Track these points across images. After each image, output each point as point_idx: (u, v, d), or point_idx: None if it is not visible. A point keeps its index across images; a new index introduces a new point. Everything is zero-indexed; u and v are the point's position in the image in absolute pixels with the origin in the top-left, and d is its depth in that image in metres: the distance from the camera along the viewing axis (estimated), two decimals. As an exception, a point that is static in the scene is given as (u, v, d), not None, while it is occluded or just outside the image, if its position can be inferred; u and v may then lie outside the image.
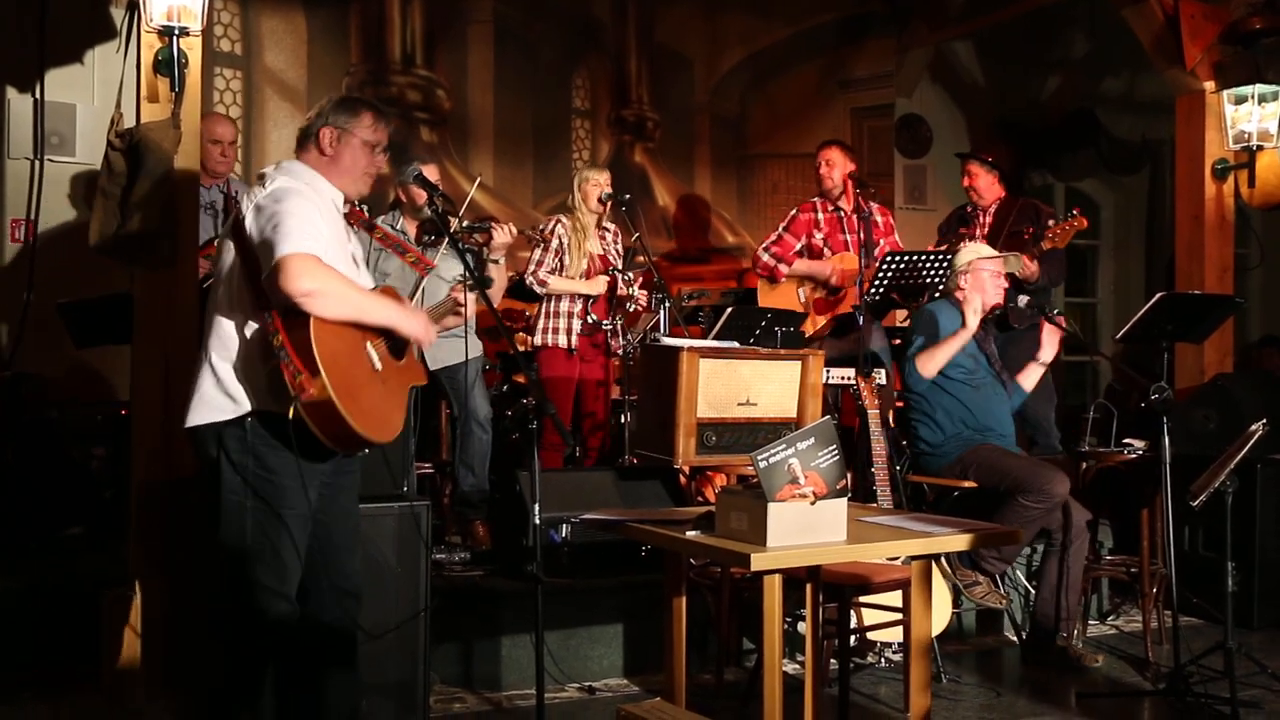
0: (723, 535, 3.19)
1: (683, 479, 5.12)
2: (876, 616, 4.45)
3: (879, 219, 6.30)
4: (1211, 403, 5.95)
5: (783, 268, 6.24)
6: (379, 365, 3.14)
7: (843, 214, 6.25)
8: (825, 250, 6.23)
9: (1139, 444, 5.23)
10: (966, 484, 4.97)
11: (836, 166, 6.20)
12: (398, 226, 5.25)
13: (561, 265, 5.73)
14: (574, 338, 5.73)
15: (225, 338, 3.12)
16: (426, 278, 4.83)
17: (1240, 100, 6.46)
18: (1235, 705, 4.20)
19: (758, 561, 2.98)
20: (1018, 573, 5.50)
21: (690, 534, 3.25)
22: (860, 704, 4.45)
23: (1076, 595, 5.02)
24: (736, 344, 4.67)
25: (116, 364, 5.82)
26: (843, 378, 5.29)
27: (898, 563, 4.16)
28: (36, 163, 6.08)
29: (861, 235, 5.68)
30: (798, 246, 6.28)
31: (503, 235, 4.96)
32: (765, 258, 6.29)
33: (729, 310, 5.54)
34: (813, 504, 3.10)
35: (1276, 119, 6.41)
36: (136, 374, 4.44)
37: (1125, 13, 6.69)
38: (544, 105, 7.75)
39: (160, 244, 4.25)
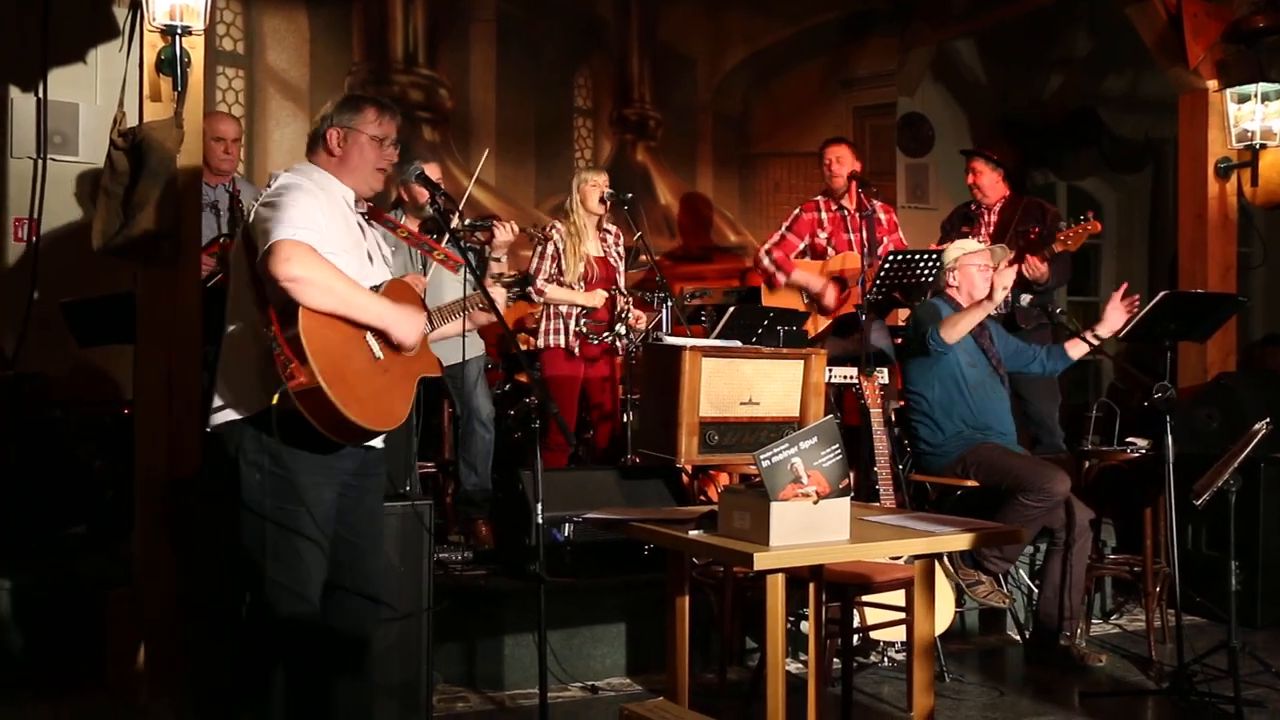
0: (725, 535, 3.19)
1: (685, 478, 5.12)
2: (879, 616, 4.44)
3: (882, 217, 6.30)
4: (1214, 402, 5.95)
5: (780, 276, 6.25)
6: (380, 354, 3.15)
7: (846, 213, 6.24)
8: (829, 250, 6.22)
9: (1142, 443, 5.23)
10: (968, 483, 4.97)
11: (846, 164, 6.19)
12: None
13: (560, 270, 5.71)
14: (574, 339, 5.72)
15: (237, 339, 3.16)
16: (428, 276, 4.83)
17: (1243, 99, 6.45)
18: (1239, 704, 4.19)
19: (760, 561, 2.97)
20: (1021, 572, 5.49)
21: (693, 533, 3.25)
22: (863, 703, 4.45)
23: (1079, 594, 5.02)
24: (739, 343, 4.66)
25: (120, 363, 5.83)
26: (845, 376, 5.28)
27: (900, 562, 4.16)
28: (39, 162, 6.09)
29: (865, 234, 5.68)
30: (801, 246, 6.27)
31: (504, 233, 4.95)
32: (766, 262, 6.29)
33: (731, 309, 5.53)
34: (815, 503, 3.10)
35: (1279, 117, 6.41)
36: (139, 373, 4.44)
37: (1128, 11, 6.68)
38: (546, 104, 7.75)
39: (163, 243, 4.25)
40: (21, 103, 6.28)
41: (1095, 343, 5.18)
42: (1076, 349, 5.27)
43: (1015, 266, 5.37)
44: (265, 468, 3.08)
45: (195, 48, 4.38)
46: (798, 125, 8.37)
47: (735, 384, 4.42)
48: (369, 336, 3.13)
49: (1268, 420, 4.47)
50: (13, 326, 5.91)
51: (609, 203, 5.74)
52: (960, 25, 8.82)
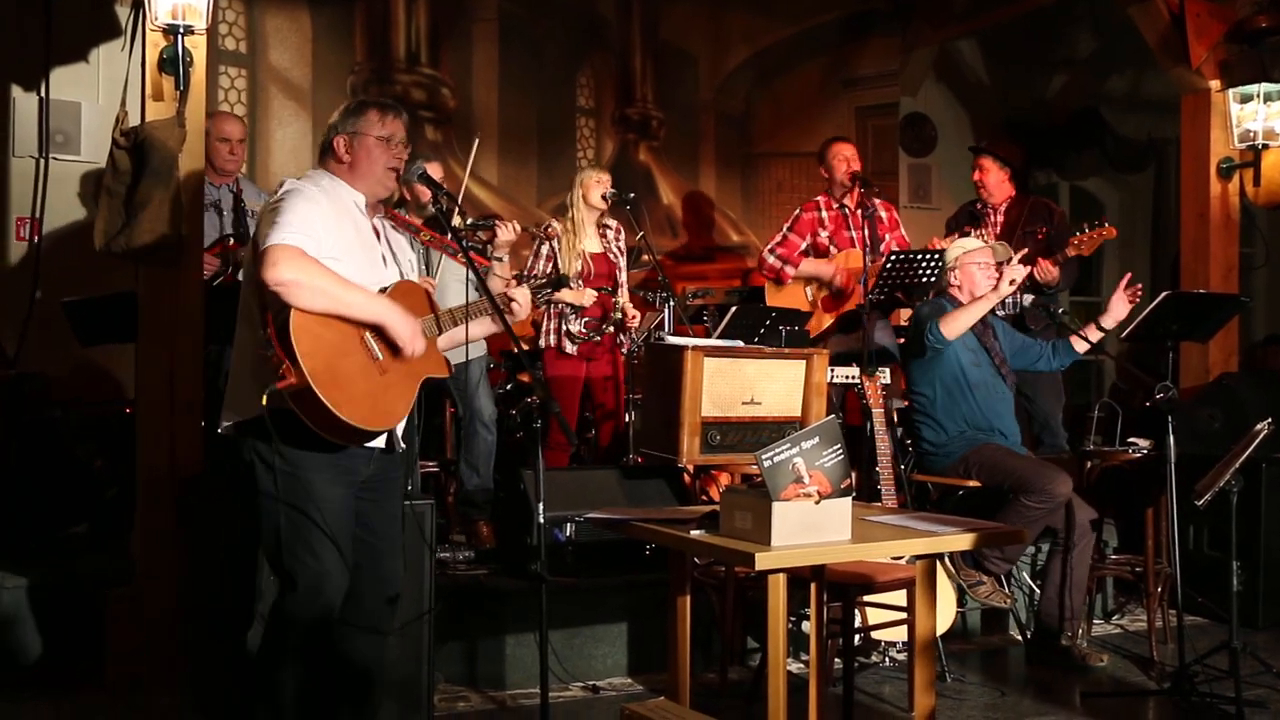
0: (727, 534, 3.19)
1: (687, 478, 5.12)
2: (881, 616, 4.44)
3: (883, 214, 6.29)
4: (1216, 402, 5.94)
5: (789, 269, 6.21)
6: (380, 354, 3.15)
7: (847, 211, 6.24)
8: (831, 248, 6.22)
9: (1144, 443, 5.22)
10: (970, 483, 4.97)
11: (850, 162, 6.19)
12: (401, 225, 5.24)
13: (556, 269, 5.70)
14: (564, 338, 5.71)
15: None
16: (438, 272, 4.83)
17: (1246, 99, 6.45)
18: (1240, 705, 4.19)
19: (762, 561, 2.97)
20: (1022, 572, 5.49)
21: (694, 533, 3.25)
22: (864, 703, 4.44)
23: (1081, 595, 5.02)
24: (741, 343, 4.66)
25: (121, 363, 5.83)
26: (847, 377, 5.28)
27: (902, 562, 4.16)
28: (41, 161, 6.10)
29: (866, 232, 5.67)
30: (803, 246, 6.26)
31: (506, 233, 4.94)
32: (771, 260, 6.28)
33: (733, 309, 5.53)
34: (817, 503, 3.10)
35: (1282, 117, 6.41)
36: (141, 373, 4.44)
37: (1130, 11, 6.67)
38: (549, 103, 7.74)
39: (165, 242, 4.25)
40: (24, 102, 6.28)
41: (1100, 334, 5.20)
42: (1082, 343, 5.27)
43: (1027, 266, 5.35)
44: (277, 466, 3.11)
45: (197, 47, 4.38)
46: (800, 125, 8.36)
47: (737, 384, 4.41)
48: (368, 336, 3.14)
49: (1269, 421, 4.47)
50: (14, 326, 5.92)
51: (610, 201, 5.74)
52: (961, 25, 8.81)
